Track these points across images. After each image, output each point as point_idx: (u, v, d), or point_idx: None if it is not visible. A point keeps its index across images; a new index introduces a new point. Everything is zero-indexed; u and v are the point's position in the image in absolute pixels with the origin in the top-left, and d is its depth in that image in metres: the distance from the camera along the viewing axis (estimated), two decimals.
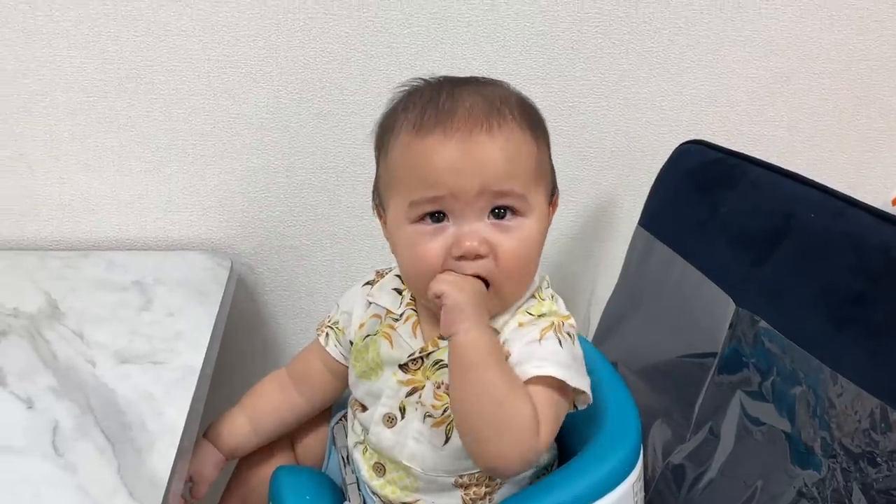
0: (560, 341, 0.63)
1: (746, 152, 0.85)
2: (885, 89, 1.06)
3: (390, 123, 0.66)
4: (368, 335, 0.72)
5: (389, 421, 0.69)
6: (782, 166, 0.80)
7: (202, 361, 0.72)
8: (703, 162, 0.88)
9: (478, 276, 0.62)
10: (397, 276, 0.74)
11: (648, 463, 0.83)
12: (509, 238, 0.62)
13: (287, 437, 0.81)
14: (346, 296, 0.78)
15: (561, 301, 0.69)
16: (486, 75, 0.70)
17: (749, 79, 1.02)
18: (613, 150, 1.03)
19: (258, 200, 0.99)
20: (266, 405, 0.78)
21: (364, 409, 0.72)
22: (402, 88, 0.67)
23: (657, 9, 0.96)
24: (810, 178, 0.76)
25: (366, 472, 0.71)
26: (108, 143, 0.93)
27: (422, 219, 0.63)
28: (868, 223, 0.68)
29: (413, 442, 0.68)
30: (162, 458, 0.59)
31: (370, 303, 0.74)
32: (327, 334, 0.77)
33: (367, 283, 0.76)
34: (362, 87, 0.94)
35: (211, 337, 0.77)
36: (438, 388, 0.66)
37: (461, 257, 0.61)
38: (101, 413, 0.64)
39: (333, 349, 0.76)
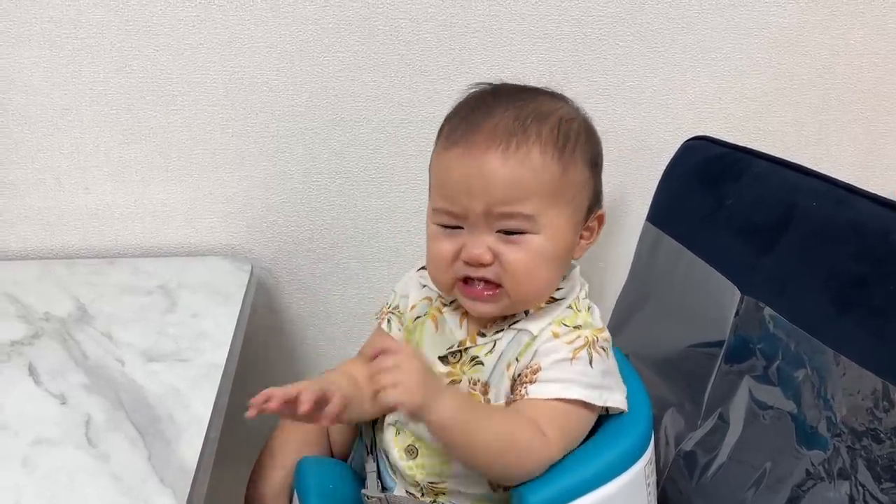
0: (591, 359, 0.66)
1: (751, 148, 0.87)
2: (888, 84, 1.08)
3: (441, 126, 0.71)
4: (419, 317, 0.75)
5: None
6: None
7: (225, 358, 0.75)
8: (707, 157, 0.90)
9: (487, 280, 0.66)
10: None
11: (661, 452, 0.84)
12: (515, 249, 0.65)
13: (323, 428, 0.82)
14: (402, 281, 0.80)
15: (597, 312, 0.72)
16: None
17: (752, 76, 1.04)
18: (620, 149, 1.05)
19: (276, 206, 1.02)
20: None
21: None
22: (467, 91, 0.72)
23: (659, 9, 0.98)
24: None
25: (396, 453, 0.73)
26: (131, 154, 0.97)
27: (441, 223, 0.68)
28: (869, 210, 0.70)
29: None
30: (190, 447, 0.62)
31: (423, 285, 0.76)
32: (389, 320, 0.78)
33: (423, 268, 0.77)
34: (374, 93, 0.97)
35: (233, 336, 0.80)
36: (474, 385, 0.69)
37: (467, 262, 0.66)
38: (130, 407, 0.67)
39: (398, 334, 0.77)
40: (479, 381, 0.69)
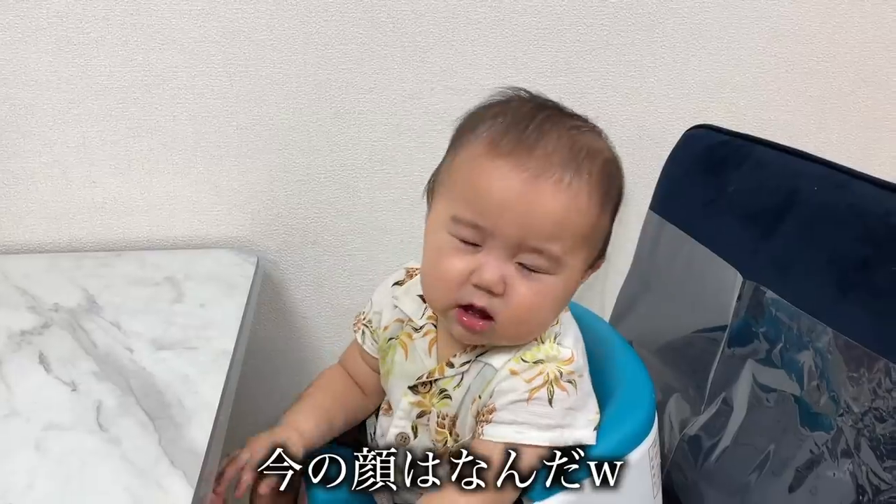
0: (551, 398, 0.62)
1: None
2: (888, 71, 1.09)
3: (474, 123, 0.64)
4: (391, 338, 0.74)
5: (403, 440, 0.70)
6: None
7: (234, 345, 0.76)
8: (709, 144, 0.91)
9: (483, 310, 0.62)
10: None
11: (665, 437, 0.85)
12: (528, 286, 0.61)
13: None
14: (378, 292, 0.77)
15: (569, 337, 0.67)
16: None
17: (753, 65, 1.05)
18: (623, 139, 1.04)
19: (281, 198, 1.03)
20: (336, 403, 0.77)
21: (389, 409, 0.74)
22: (503, 91, 0.66)
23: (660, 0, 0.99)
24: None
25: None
26: (137, 147, 0.98)
27: (461, 236, 0.62)
28: (871, 193, 0.70)
29: None
30: (200, 430, 0.63)
31: (395, 306, 0.74)
32: (363, 332, 0.77)
33: (396, 283, 0.75)
34: (377, 85, 0.98)
35: (241, 324, 0.81)
36: (443, 419, 0.68)
37: (477, 286, 0.61)
38: (140, 393, 0.68)
39: (370, 347, 0.77)
40: (447, 415, 0.68)
